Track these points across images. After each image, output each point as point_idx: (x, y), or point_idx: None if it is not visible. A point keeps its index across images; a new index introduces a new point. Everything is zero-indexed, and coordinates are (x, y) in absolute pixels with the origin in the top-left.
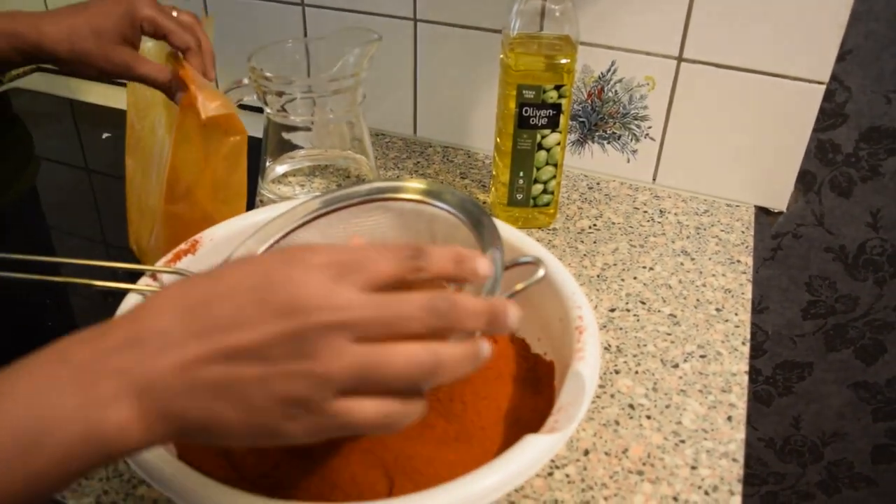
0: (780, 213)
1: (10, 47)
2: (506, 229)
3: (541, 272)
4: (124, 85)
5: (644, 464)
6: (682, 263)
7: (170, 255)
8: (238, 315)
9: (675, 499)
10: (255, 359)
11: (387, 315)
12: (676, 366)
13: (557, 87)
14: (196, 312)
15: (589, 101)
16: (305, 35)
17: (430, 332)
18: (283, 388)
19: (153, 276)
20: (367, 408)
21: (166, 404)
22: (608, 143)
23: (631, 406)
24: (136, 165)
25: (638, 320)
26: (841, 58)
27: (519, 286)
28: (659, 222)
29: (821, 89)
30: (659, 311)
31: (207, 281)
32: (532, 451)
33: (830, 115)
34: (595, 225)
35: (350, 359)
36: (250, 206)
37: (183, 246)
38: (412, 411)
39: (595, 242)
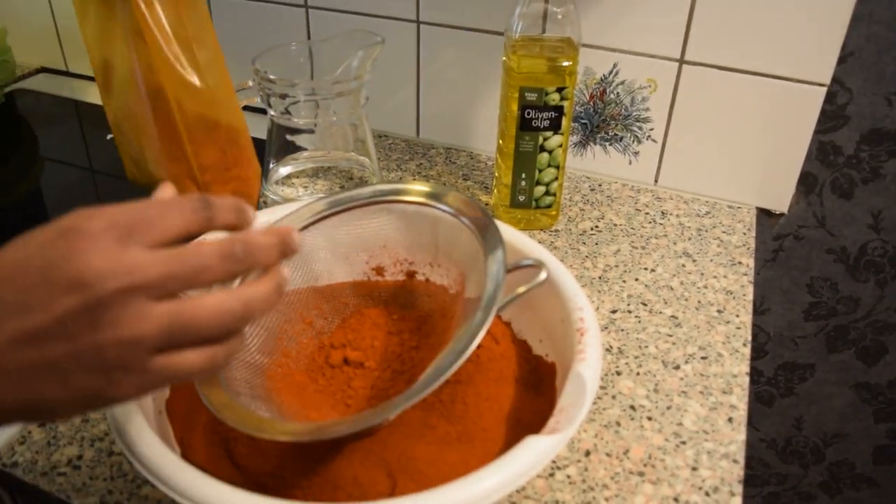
0: (782, 214)
1: None
2: (508, 231)
3: (543, 275)
4: None
5: (645, 465)
6: (683, 265)
7: None
8: (27, 298)
9: (676, 500)
10: (57, 338)
11: (182, 269)
12: (678, 367)
13: (559, 90)
14: None
15: (591, 103)
16: (309, 38)
17: (230, 277)
18: (97, 359)
19: None
20: (188, 358)
21: None
22: (610, 144)
23: (632, 407)
24: (112, 101)
25: (639, 322)
26: (842, 60)
27: (521, 289)
28: (661, 224)
29: (822, 91)
30: (660, 312)
31: None
32: (533, 452)
33: (832, 116)
34: (597, 226)
35: (156, 319)
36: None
37: None
38: (234, 348)
39: (597, 244)
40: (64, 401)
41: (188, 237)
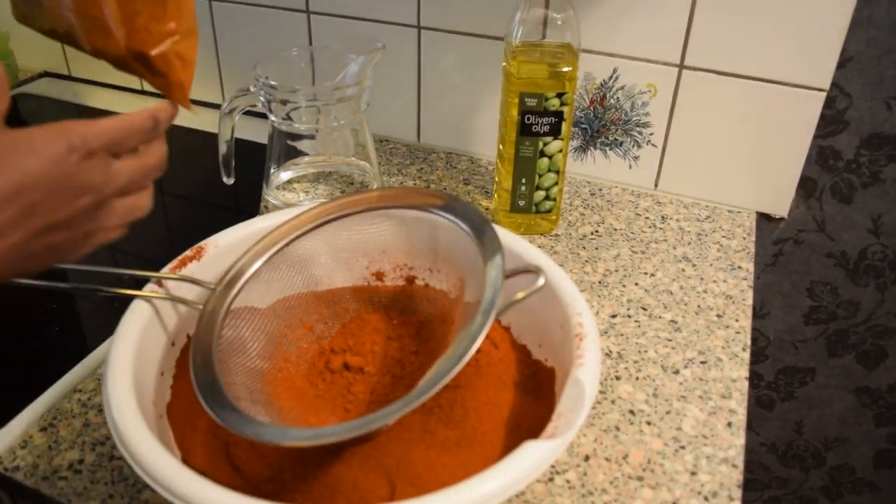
0: (782, 219)
1: None
2: (507, 236)
3: (541, 281)
4: (131, 90)
5: (644, 469)
6: (683, 269)
7: (175, 262)
8: (50, 201)
9: None
10: (64, 228)
11: (140, 168)
12: (677, 372)
13: (559, 95)
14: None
15: (591, 108)
16: (310, 43)
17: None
18: (83, 238)
19: (159, 282)
20: (124, 166)
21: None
22: (610, 149)
23: (631, 412)
24: None
25: (639, 326)
26: (841, 65)
27: (520, 295)
28: (660, 228)
29: (821, 96)
30: (660, 317)
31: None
32: (531, 457)
33: (831, 121)
34: (597, 231)
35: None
36: (252, 211)
37: (188, 252)
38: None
39: (597, 248)
40: (50, 263)
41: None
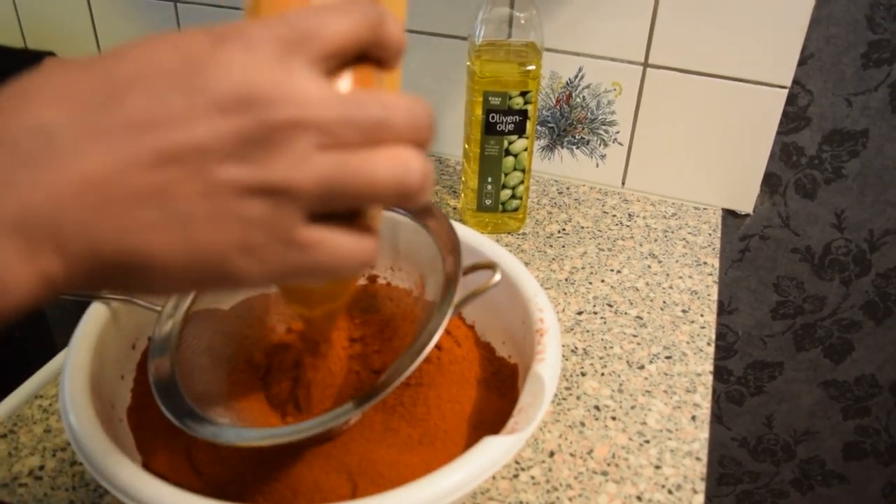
0: (747, 215)
1: None
2: (471, 235)
3: (497, 277)
4: None
5: (609, 464)
6: (649, 266)
7: None
8: (159, 108)
9: (639, 498)
10: (189, 166)
11: (361, 117)
12: (642, 367)
13: (523, 94)
14: (95, 105)
15: (557, 106)
16: None
17: (409, 142)
18: (236, 207)
19: None
20: (344, 243)
21: (64, 235)
22: (577, 147)
23: (597, 407)
24: None
25: (605, 323)
26: (802, 62)
27: (475, 291)
28: (627, 226)
29: (783, 93)
30: (626, 313)
31: (104, 63)
32: (491, 453)
33: (794, 118)
34: (564, 229)
35: (317, 168)
36: None
37: None
38: (377, 247)
39: (564, 246)
40: (173, 259)
41: (355, 52)
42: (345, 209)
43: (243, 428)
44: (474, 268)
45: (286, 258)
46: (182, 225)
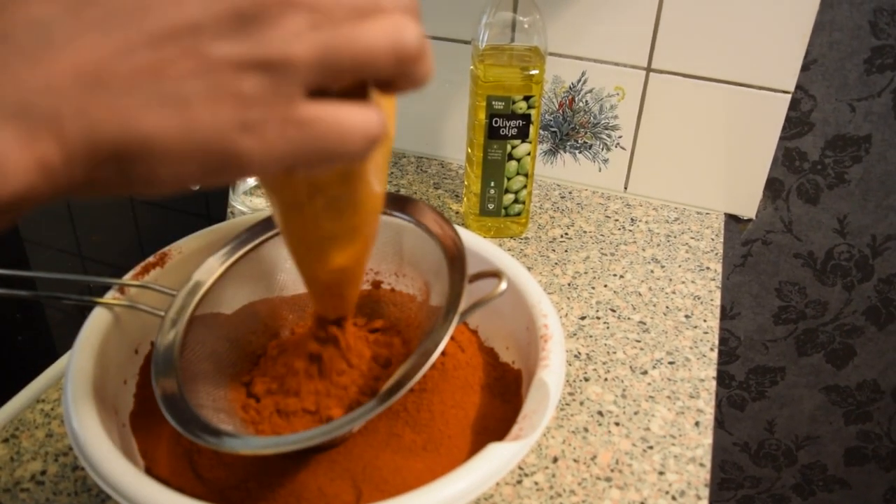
0: (750, 220)
1: None
2: (474, 239)
3: (503, 285)
4: None
5: (612, 470)
6: (652, 271)
7: (137, 269)
8: None
9: None
10: (183, 45)
11: None
12: (645, 372)
13: (527, 98)
14: None
15: (560, 111)
16: None
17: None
18: (233, 84)
19: (121, 289)
20: (345, 115)
21: (62, 121)
22: (580, 152)
23: (600, 413)
24: None
25: (608, 328)
26: (805, 67)
27: (481, 300)
28: (630, 230)
29: (786, 98)
30: (629, 318)
31: None
32: (495, 459)
33: (796, 123)
34: (567, 234)
35: (312, 40)
36: (220, 218)
37: (151, 259)
38: (383, 121)
39: (566, 251)
40: (172, 140)
41: None
42: (345, 83)
43: (247, 436)
44: (480, 276)
45: (288, 135)
46: (179, 104)
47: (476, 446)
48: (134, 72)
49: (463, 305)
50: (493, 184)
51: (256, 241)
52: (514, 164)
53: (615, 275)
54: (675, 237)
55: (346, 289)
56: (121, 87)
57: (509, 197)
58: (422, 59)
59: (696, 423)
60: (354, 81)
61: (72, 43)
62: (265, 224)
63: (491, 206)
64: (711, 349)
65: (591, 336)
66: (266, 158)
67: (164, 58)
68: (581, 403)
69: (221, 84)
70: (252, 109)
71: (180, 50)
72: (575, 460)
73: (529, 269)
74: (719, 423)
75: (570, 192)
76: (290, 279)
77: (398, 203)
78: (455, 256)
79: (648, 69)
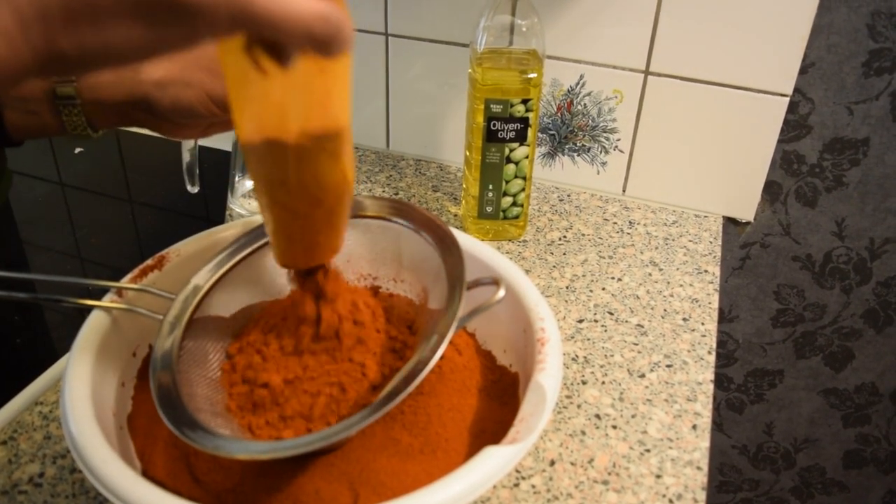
0: (748, 223)
1: None
2: (472, 243)
3: (500, 293)
4: None
5: (609, 473)
6: (650, 274)
7: (135, 272)
8: None
9: None
10: None
11: None
12: (643, 375)
13: (525, 101)
14: None
15: (559, 114)
16: None
17: None
18: None
19: (119, 292)
20: None
21: None
22: (578, 155)
23: (597, 416)
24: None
25: (605, 331)
26: (803, 70)
27: (478, 307)
28: (628, 233)
29: (784, 101)
30: (626, 321)
31: None
32: (492, 463)
33: (794, 126)
34: (565, 237)
35: None
36: (219, 220)
37: (149, 262)
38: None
39: (565, 254)
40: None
41: None
42: None
43: (244, 441)
44: (478, 283)
45: None
46: None
47: (473, 449)
48: None
49: (461, 312)
50: (491, 187)
51: (256, 246)
52: (512, 167)
53: (613, 278)
54: (673, 240)
55: (323, 225)
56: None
57: (507, 200)
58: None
59: (694, 427)
60: None
61: None
62: (263, 228)
63: (489, 209)
64: (709, 352)
65: (588, 339)
66: (205, 10)
67: None
68: (578, 406)
69: None
70: None
71: None
72: (572, 463)
73: (527, 271)
74: (718, 425)
75: (568, 195)
76: (287, 283)
77: (397, 209)
78: (453, 263)
79: (647, 72)
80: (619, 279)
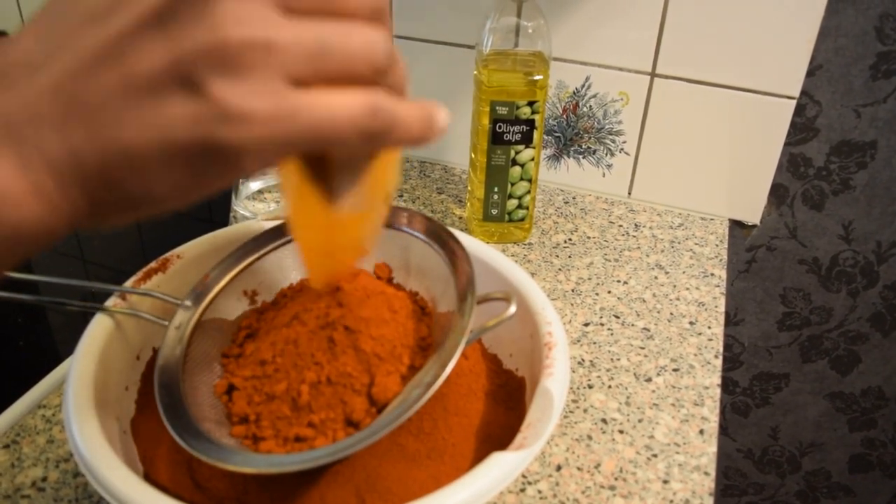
0: (754, 226)
1: None
2: (477, 245)
3: (511, 309)
4: None
5: (616, 478)
6: (656, 277)
7: (139, 275)
8: (88, 17)
9: None
10: (147, 38)
11: (320, 45)
12: (649, 380)
13: (530, 103)
14: (54, 21)
15: (564, 116)
16: None
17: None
18: (214, 59)
19: (122, 296)
20: (341, 99)
21: (45, 142)
22: (583, 157)
23: (604, 420)
24: None
25: (612, 334)
26: (811, 73)
27: (490, 323)
28: (634, 236)
29: (791, 104)
30: (633, 324)
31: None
32: (499, 469)
33: (801, 129)
34: (570, 239)
35: (292, 29)
36: (224, 223)
37: (153, 265)
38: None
39: (570, 257)
40: (154, 146)
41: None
42: (328, 71)
43: (250, 453)
44: (488, 298)
45: (280, 120)
46: (151, 109)
47: (480, 454)
48: (104, 83)
49: (470, 326)
50: (496, 189)
51: (263, 251)
52: (517, 169)
53: (619, 281)
54: (679, 243)
55: (361, 255)
56: (89, 102)
57: (513, 202)
58: (391, 69)
59: (701, 431)
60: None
61: (44, 68)
62: (271, 232)
63: (494, 212)
64: (716, 356)
65: (594, 343)
66: (257, 142)
67: (125, 60)
68: (585, 411)
69: (188, 79)
70: (239, 94)
71: (141, 42)
72: (579, 468)
73: (533, 274)
74: (723, 429)
75: (573, 198)
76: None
77: (406, 218)
78: (464, 279)
79: (653, 74)
80: (625, 282)
